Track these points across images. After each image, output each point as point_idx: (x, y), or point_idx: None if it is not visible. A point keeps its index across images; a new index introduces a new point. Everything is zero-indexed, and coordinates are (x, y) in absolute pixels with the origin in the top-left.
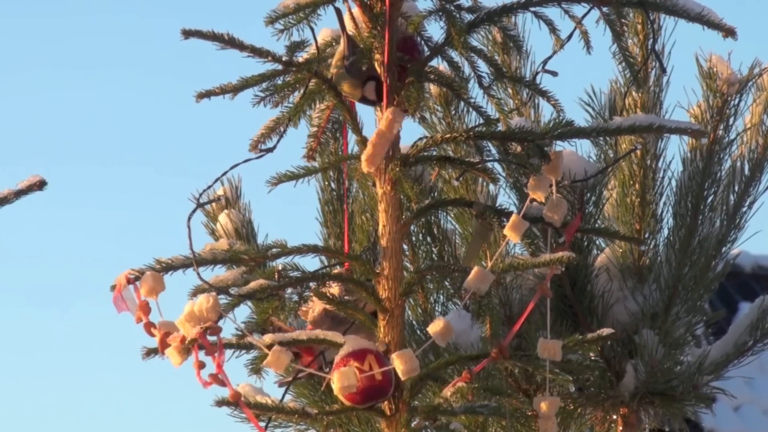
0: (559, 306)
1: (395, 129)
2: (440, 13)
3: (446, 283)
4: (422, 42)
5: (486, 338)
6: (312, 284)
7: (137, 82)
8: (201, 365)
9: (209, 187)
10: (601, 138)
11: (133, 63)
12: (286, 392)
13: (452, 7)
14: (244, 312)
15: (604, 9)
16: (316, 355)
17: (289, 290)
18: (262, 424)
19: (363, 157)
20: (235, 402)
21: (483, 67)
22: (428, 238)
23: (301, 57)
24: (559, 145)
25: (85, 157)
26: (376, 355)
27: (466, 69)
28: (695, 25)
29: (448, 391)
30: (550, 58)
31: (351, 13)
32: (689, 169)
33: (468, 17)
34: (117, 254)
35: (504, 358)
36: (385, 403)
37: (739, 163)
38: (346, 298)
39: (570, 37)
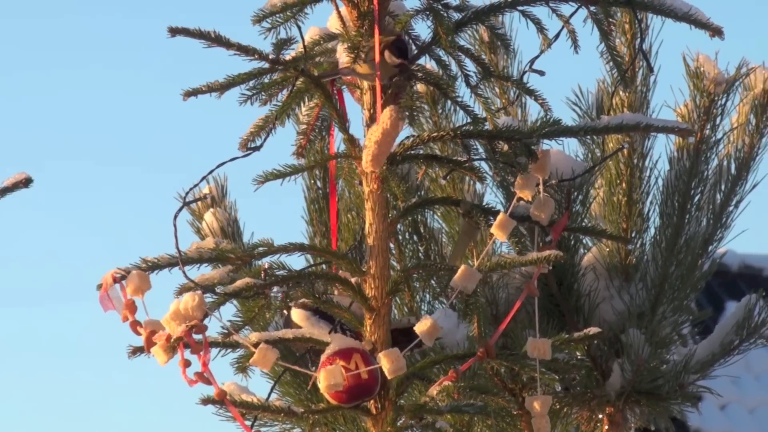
0: (546, 305)
1: (400, 127)
2: (428, 12)
3: (433, 282)
4: (409, 41)
5: (472, 337)
6: (298, 283)
7: (122, 80)
8: (186, 364)
9: (195, 185)
10: (589, 137)
11: (119, 62)
12: (272, 390)
13: (439, 6)
14: (229, 310)
15: (592, 8)
16: (305, 351)
17: (276, 289)
18: (248, 422)
19: (368, 158)
20: (221, 400)
21: (470, 66)
22: (415, 237)
23: (288, 55)
24: (547, 144)
25: (70, 155)
26: (362, 353)
27: (454, 68)
28: (683, 24)
29: (434, 390)
30: (537, 57)
31: (338, 12)
32: (676, 168)
33: (455, 16)
34: (103, 253)
35: (490, 357)
36: (371, 402)
37: (725, 163)
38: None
39: (557, 36)
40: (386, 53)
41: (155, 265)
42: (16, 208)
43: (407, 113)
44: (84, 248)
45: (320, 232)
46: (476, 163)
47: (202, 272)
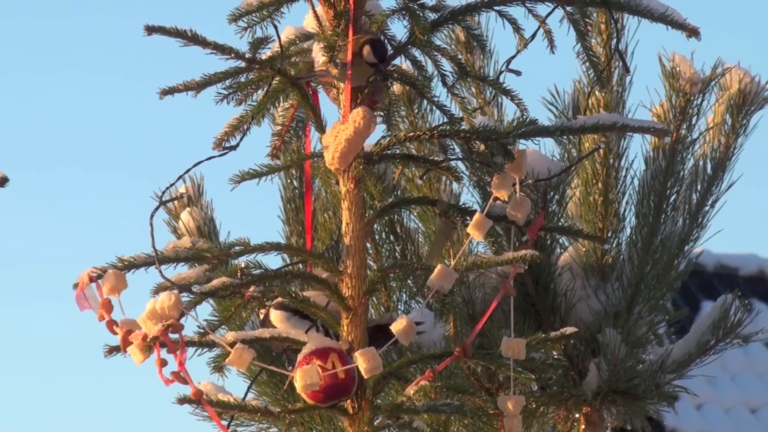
0: (522, 304)
1: (372, 128)
2: (404, 12)
3: (409, 282)
4: (386, 41)
5: (449, 337)
6: (275, 282)
7: (98, 79)
8: (163, 363)
9: (172, 185)
10: (565, 137)
11: (94, 60)
12: (248, 390)
13: (416, 6)
14: (206, 310)
15: (568, 8)
16: (282, 351)
17: (252, 288)
18: (225, 422)
19: (335, 154)
20: (197, 400)
21: (446, 66)
22: (391, 237)
23: (265, 54)
24: (523, 144)
25: (46, 156)
26: (339, 353)
27: (430, 68)
28: (659, 24)
29: (410, 390)
30: (513, 57)
31: (314, 11)
32: (652, 168)
33: (431, 16)
34: (79, 253)
35: (467, 357)
36: (348, 401)
37: (701, 163)
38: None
39: (534, 36)
40: (366, 49)
41: (131, 264)
42: None
43: (383, 113)
44: (60, 248)
45: (297, 231)
46: (453, 163)
47: (179, 271)
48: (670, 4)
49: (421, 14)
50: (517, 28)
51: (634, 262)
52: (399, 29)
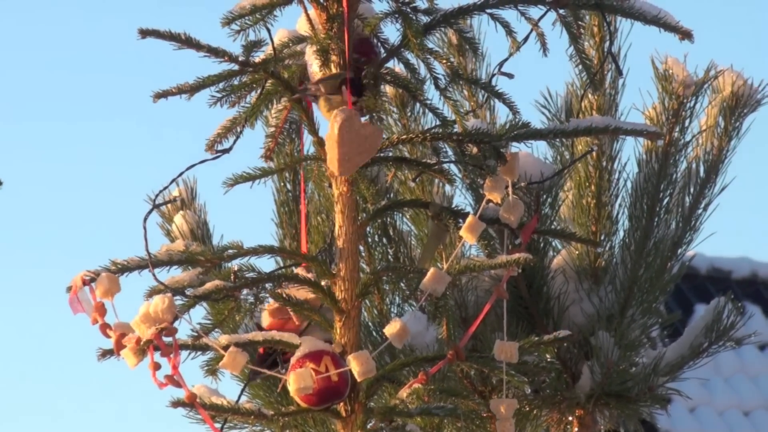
0: (515, 307)
1: (335, 129)
2: (396, 15)
3: (402, 285)
4: (378, 44)
5: (442, 340)
6: (268, 285)
7: (92, 81)
8: (156, 366)
9: (165, 188)
10: (558, 140)
11: (89, 62)
12: (242, 393)
13: (408, 9)
14: (199, 313)
15: (561, 11)
16: (272, 354)
17: (245, 291)
18: (218, 425)
19: (327, 162)
20: (191, 403)
21: (439, 69)
22: (384, 240)
23: (258, 57)
24: (515, 147)
25: (42, 155)
26: (332, 356)
27: (422, 71)
28: (651, 27)
29: (404, 393)
30: (506, 60)
31: (307, 14)
32: (645, 170)
33: (424, 19)
34: (73, 256)
35: (460, 360)
36: (341, 404)
37: (694, 165)
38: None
39: (526, 39)
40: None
41: (125, 268)
42: None
43: (375, 117)
44: (53, 251)
45: (290, 234)
46: (445, 166)
47: (172, 275)
48: (662, 6)
49: (414, 17)
50: (509, 31)
51: (627, 265)
52: (392, 32)
